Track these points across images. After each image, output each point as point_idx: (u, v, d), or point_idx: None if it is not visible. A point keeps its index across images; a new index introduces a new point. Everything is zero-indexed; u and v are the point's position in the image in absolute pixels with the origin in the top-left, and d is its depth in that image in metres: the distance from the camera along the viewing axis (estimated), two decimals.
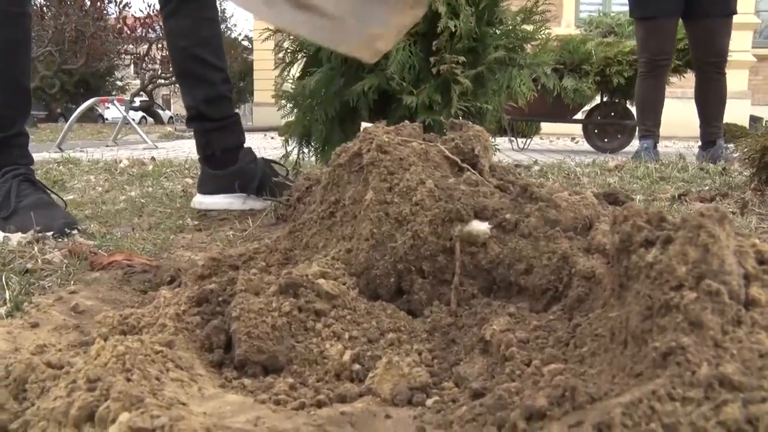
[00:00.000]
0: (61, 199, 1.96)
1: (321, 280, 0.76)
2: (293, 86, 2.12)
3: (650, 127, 4.31)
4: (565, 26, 11.88)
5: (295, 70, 2.30)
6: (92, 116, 16.86)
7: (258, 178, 2.06)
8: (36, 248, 1.53)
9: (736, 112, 11.26)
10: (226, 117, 2.15)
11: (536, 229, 0.72)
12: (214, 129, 2.15)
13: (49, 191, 1.91)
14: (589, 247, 0.71)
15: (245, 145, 2.20)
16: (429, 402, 0.64)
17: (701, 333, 0.44)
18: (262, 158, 2.15)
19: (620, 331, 0.53)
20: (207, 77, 2.12)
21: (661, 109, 4.34)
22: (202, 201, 2.15)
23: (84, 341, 0.87)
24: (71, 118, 7.22)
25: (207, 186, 2.18)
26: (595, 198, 0.78)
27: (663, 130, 4.56)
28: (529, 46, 2.24)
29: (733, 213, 1.97)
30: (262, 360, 0.72)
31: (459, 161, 0.88)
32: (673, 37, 4.18)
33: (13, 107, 1.88)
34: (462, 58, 1.96)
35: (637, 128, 4.40)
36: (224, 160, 2.14)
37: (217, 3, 2.28)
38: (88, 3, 17.07)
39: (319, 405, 0.64)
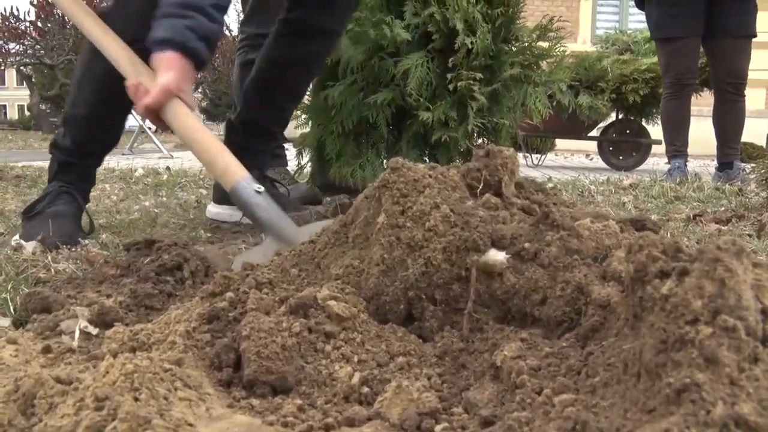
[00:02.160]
0: (91, 220, 1.93)
1: (331, 302, 0.76)
2: (309, 98, 2.12)
3: (679, 147, 4.32)
4: (581, 43, 11.86)
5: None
6: None
7: None
8: (49, 257, 1.54)
9: (752, 131, 11.18)
10: (256, 144, 2.10)
11: (556, 259, 0.71)
12: (239, 148, 2.12)
13: (83, 209, 1.90)
14: (604, 275, 0.70)
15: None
16: (438, 428, 0.64)
17: (717, 370, 0.43)
18: (261, 174, 2.14)
19: (633, 363, 0.52)
20: (265, 110, 2.06)
21: (688, 127, 4.34)
22: (210, 210, 2.18)
23: (94, 355, 0.87)
24: None
25: (215, 194, 2.21)
26: (618, 226, 0.77)
27: None
28: (544, 63, 2.23)
29: (750, 235, 1.95)
30: (270, 380, 0.72)
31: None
32: (697, 56, 4.19)
33: (99, 144, 1.90)
34: (479, 75, 1.96)
35: (666, 148, 4.41)
36: None
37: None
38: None
39: (327, 428, 0.64)
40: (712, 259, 0.47)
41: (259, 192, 1.38)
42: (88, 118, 1.84)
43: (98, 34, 1.62)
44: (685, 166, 4.31)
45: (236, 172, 1.41)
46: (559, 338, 0.72)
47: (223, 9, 1.57)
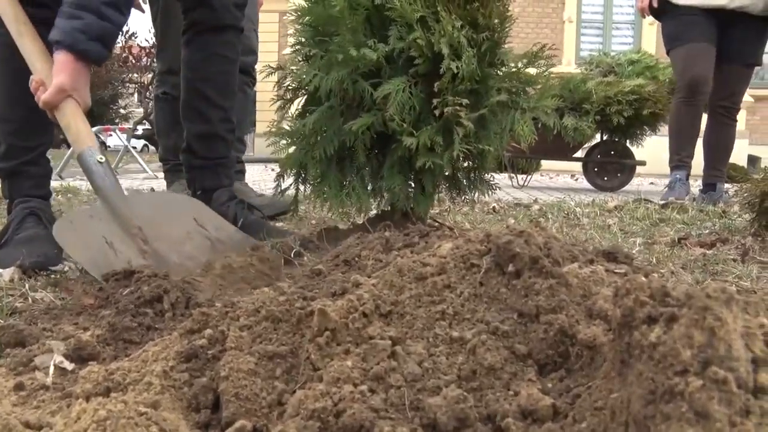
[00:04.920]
0: None
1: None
2: (291, 124, 2.12)
3: (684, 158, 4.20)
4: (566, 64, 12.02)
5: (294, 109, 2.31)
6: None
7: (230, 220, 2.04)
8: (27, 285, 1.50)
9: (734, 153, 11.34)
10: (215, 157, 2.13)
11: (544, 304, 0.70)
12: (200, 167, 2.13)
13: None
14: (590, 313, 0.69)
15: (232, 186, 2.19)
16: None
17: (708, 425, 0.42)
18: (239, 200, 2.13)
19: (621, 412, 0.50)
20: (205, 113, 2.11)
21: (696, 138, 4.23)
22: None
23: (68, 393, 0.84)
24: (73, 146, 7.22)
25: None
26: (604, 271, 0.76)
27: (663, 168, 4.47)
28: (531, 89, 2.23)
29: (734, 260, 1.96)
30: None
31: None
32: (712, 65, 4.05)
33: (26, 137, 1.88)
34: (465, 101, 1.95)
35: (670, 157, 4.26)
36: (202, 201, 2.13)
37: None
38: None
39: None
40: (702, 307, 0.46)
41: (100, 162, 1.61)
42: (8, 104, 1.87)
43: (17, 27, 1.70)
44: (687, 179, 4.17)
45: (85, 141, 1.61)
46: (545, 377, 0.71)
47: (117, 6, 1.63)
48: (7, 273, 1.61)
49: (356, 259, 1.18)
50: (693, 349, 0.45)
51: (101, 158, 1.60)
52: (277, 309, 0.79)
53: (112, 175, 1.63)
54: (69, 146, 8.45)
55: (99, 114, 17.78)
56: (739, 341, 0.45)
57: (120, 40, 18.18)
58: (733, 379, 0.43)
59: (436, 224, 2.07)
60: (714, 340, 0.44)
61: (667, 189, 4.10)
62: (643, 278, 0.53)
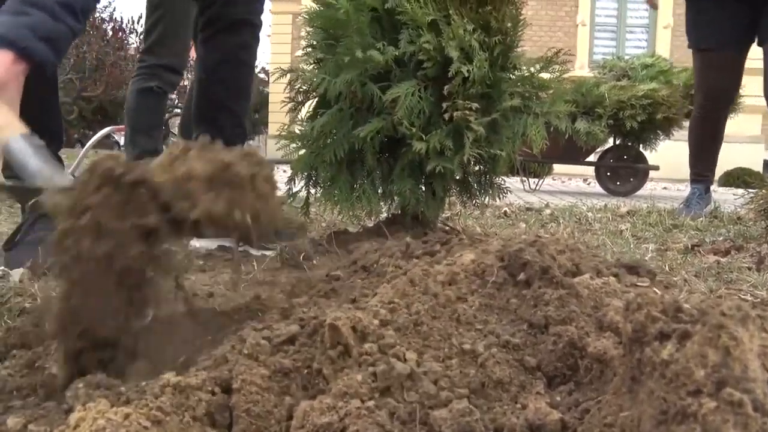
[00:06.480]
0: None
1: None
2: (302, 127, 2.11)
3: (702, 171, 3.83)
4: (579, 68, 11.96)
5: (305, 111, 2.30)
6: (108, 143, 17.07)
7: None
8: (36, 287, 1.50)
9: (749, 157, 11.29)
10: None
11: (554, 315, 0.68)
12: None
13: None
14: (600, 325, 0.68)
15: None
16: None
17: None
18: None
19: (632, 431, 0.49)
20: (218, 121, 2.09)
21: (717, 152, 3.82)
22: (192, 243, 2.14)
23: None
24: (87, 145, 7.27)
25: None
26: (617, 281, 0.74)
27: (676, 173, 4.24)
28: (545, 94, 2.22)
29: (749, 268, 1.92)
30: None
31: None
32: (737, 75, 3.57)
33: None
34: (475, 105, 1.94)
35: (690, 171, 3.89)
36: None
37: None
38: (110, 33, 17.49)
39: None
40: (716, 324, 0.44)
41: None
42: None
43: None
44: (706, 192, 3.82)
45: (16, 128, 1.22)
46: (554, 390, 0.69)
47: (73, 10, 1.42)
48: (17, 274, 1.62)
49: (374, 265, 1.17)
50: (707, 369, 0.43)
51: (41, 143, 1.22)
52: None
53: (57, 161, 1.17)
54: (83, 145, 8.49)
55: (113, 114, 17.90)
56: (756, 361, 0.44)
57: (134, 41, 18.29)
58: (749, 401, 0.42)
59: (447, 228, 2.05)
60: (729, 359, 0.43)
61: (683, 205, 3.76)
62: (656, 292, 0.52)
